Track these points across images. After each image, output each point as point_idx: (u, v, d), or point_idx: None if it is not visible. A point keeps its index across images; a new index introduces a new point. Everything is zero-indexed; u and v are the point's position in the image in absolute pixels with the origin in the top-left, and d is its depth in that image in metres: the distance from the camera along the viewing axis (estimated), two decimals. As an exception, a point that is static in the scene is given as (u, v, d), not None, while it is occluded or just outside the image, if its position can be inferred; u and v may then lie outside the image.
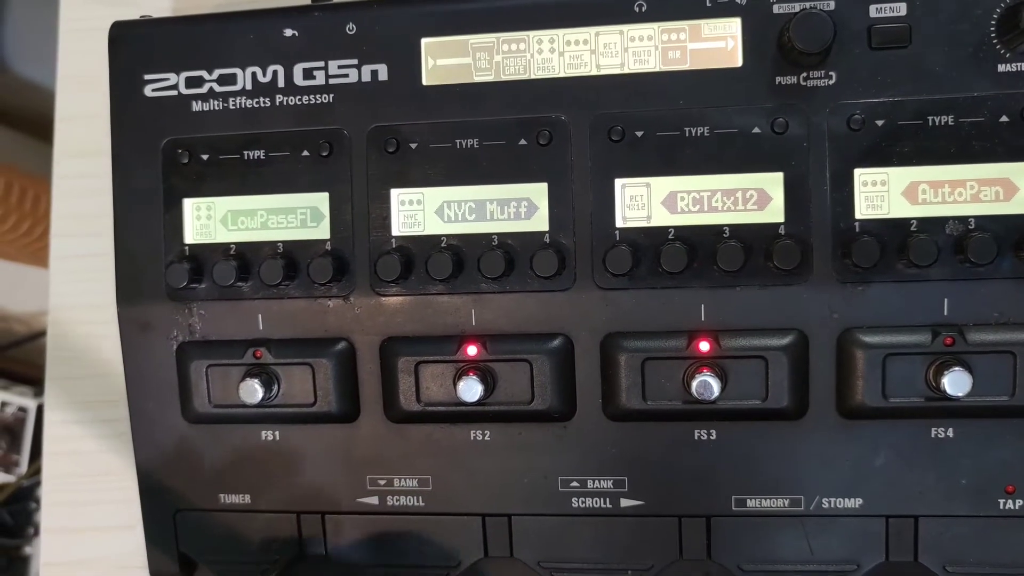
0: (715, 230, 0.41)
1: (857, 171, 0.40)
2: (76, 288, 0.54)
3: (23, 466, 1.25)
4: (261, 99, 0.44)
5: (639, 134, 0.42)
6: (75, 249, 0.54)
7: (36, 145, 1.06)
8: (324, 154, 0.44)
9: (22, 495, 1.20)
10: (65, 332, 0.54)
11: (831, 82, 0.40)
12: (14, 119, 1.09)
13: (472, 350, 0.43)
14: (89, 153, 0.53)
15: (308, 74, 0.44)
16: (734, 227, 0.41)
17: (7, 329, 1.31)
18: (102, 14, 0.48)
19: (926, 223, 0.40)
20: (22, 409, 1.27)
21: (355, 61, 0.44)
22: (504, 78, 0.43)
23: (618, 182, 0.42)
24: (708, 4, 0.41)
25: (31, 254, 1.14)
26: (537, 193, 0.42)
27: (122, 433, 0.48)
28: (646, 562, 0.44)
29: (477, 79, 0.43)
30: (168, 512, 0.47)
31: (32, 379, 1.23)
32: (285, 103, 0.44)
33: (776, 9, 0.41)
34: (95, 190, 0.51)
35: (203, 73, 0.45)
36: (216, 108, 0.45)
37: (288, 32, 0.44)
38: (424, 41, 0.43)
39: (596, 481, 0.43)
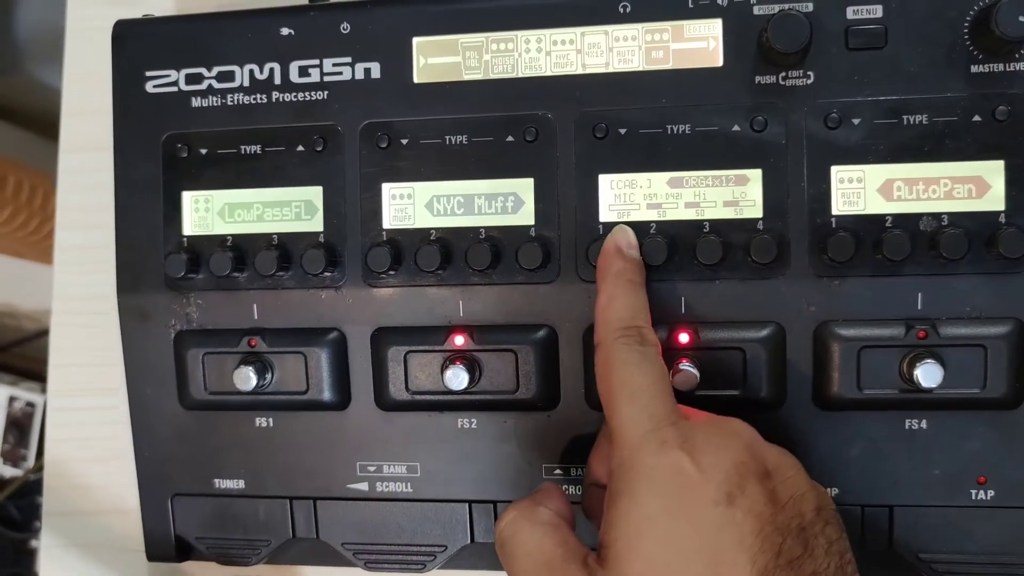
0: (695, 225, 0.42)
1: (834, 168, 0.41)
2: (79, 279, 0.55)
3: (30, 460, 1.26)
4: (258, 95, 0.46)
5: (622, 131, 0.43)
6: (78, 241, 0.55)
7: (45, 144, 1.08)
8: (318, 149, 0.45)
9: (29, 489, 1.21)
10: (68, 321, 0.55)
11: (809, 81, 0.42)
12: (24, 118, 1.11)
13: (459, 340, 0.44)
14: (93, 148, 0.54)
15: (303, 72, 0.45)
16: (713, 222, 0.42)
17: (15, 326, 1.32)
18: (108, 14, 0.49)
19: (900, 219, 0.41)
20: (30, 404, 1.28)
21: (349, 59, 0.45)
22: (492, 76, 0.44)
23: (602, 178, 0.43)
24: (691, 5, 0.42)
25: (40, 252, 1.15)
26: (524, 188, 0.44)
27: (122, 419, 0.49)
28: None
29: (467, 77, 0.44)
30: (165, 496, 0.49)
31: (40, 375, 1.24)
32: (281, 100, 0.46)
33: (756, 11, 0.42)
34: (98, 184, 0.52)
35: (202, 70, 0.46)
36: (215, 104, 0.46)
37: (285, 31, 0.46)
38: (416, 40, 0.44)
39: (579, 469, 0.45)
